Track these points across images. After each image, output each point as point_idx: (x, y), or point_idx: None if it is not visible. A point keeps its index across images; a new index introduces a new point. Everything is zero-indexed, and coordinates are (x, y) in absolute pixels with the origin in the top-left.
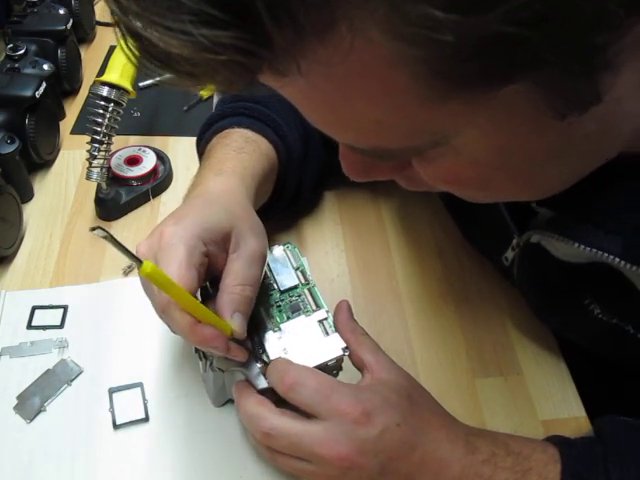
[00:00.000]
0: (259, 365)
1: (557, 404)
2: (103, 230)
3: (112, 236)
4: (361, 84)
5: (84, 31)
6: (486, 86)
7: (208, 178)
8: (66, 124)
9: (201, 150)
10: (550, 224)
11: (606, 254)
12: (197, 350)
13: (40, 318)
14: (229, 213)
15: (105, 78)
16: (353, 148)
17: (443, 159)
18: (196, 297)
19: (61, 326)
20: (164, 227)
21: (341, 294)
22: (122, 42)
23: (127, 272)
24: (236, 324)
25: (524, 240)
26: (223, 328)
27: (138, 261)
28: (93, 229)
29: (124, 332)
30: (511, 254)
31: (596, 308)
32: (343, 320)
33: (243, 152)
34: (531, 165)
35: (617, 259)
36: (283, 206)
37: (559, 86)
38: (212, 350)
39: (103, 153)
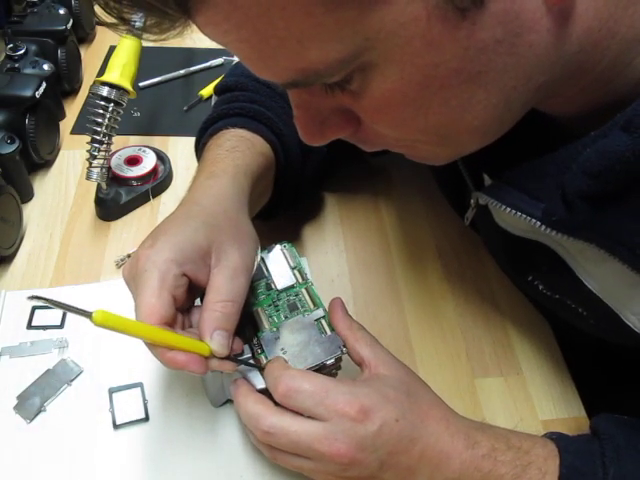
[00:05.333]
0: (257, 367)
1: (557, 404)
2: (40, 298)
3: (51, 299)
4: None
5: (84, 31)
6: None
7: (198, 183)
8: (66, 124)
9: (199, 154)
10: (488, 187)
11: (529, 219)
12: None
13: (40, 318)
14: (208, 227)
15: (105, 78)
16: (292, 85)
17: (373, 85)
18: (175, 320)
19: (61, 326)
20: (140, 250)
21: (341, 294)
22: None
23: (120, 265)
24: (216, 344)
25: (475, 201)
26: (200, 349)
27: (87, 314)
28: (30, 298)
29: None
30: (471, 214)
31: (540, 284)
32: (339, 317)
33: (236, 151)
34: (459, 85)
35: (538, 224)
36: (285, 205)
37: None
38: (191, 373)
39: (103, 153)
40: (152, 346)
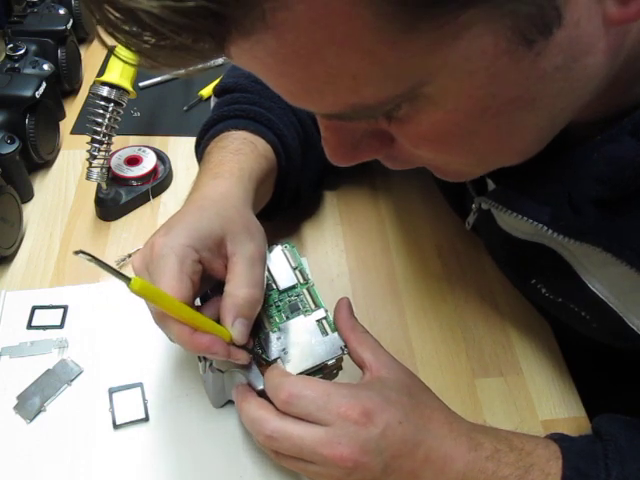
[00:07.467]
0: (258, 366)
1: (557, 404)
2: (86, 254)
3: (97, 258)
4: (327, 28)
5: (84, 31)
6: (443, 10)
7: (204, 183)
8: (66, 124)
9: (199, 156)
10: (492, 192)
11: (536, 223)
12: None
13: (40, 318)
14: (221, 218)
15: (105, 78)
16: (334, 117)
17: (422, 114)
18: (193, 305)
19: (61, 326)
20: (155, 238)
21: (341, 294)
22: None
23: (120, 265)
24: (236, 332)
25: (477, 206)
26: (222, 334)
27: (126, 279)
28: (76, 253)
29: (124, 332)
30: (472, 218)
31: (542, 287)
32: (343, 318)
33: (240, 153)
34: (512, 112)
35: (545, 228)
36: (285, 206)
37: (520, 6)
38: (212, 357)
39: (103, 153)
40: (176, 325)
